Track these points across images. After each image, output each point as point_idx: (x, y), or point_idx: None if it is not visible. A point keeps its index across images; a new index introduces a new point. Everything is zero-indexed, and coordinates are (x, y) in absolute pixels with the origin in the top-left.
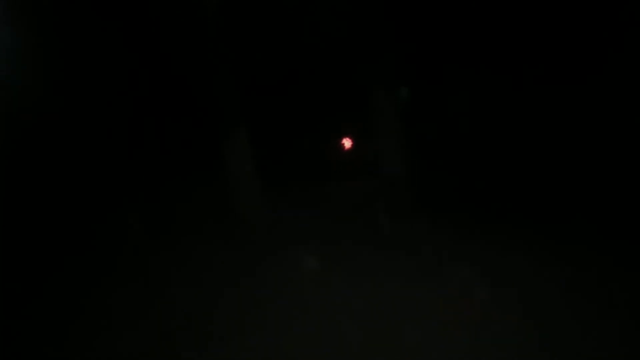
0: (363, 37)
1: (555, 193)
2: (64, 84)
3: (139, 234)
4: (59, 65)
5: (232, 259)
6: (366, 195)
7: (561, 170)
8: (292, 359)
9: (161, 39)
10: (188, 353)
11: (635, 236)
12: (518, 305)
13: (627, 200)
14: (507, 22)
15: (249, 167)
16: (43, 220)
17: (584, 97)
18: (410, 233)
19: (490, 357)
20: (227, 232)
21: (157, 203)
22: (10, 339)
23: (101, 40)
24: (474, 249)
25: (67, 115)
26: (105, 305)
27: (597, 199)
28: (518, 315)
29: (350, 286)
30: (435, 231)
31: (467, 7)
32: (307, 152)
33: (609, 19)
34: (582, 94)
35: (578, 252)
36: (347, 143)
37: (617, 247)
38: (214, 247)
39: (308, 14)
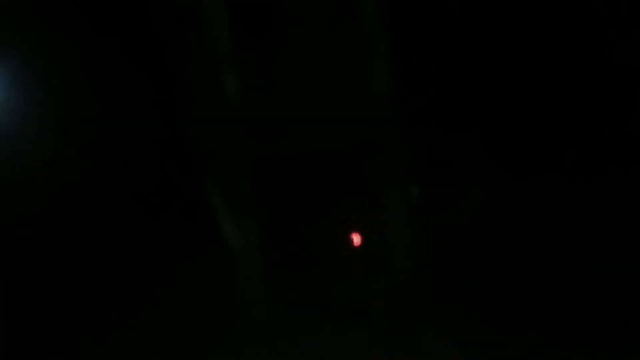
0: (376, 137)
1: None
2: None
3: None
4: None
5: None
6: (371, 296)
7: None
8: None
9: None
10: None
11: None
12: None
13: None
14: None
15: (254, 256)
16: None
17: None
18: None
19: None
20: (222, 324)
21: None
22: None
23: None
24: None
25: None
26: None
27: None
28: None
29: None
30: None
31: (480, 102)
32: (316, 244)
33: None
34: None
35: None
36: (356, 238)
37: None
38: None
39: (322, 109)
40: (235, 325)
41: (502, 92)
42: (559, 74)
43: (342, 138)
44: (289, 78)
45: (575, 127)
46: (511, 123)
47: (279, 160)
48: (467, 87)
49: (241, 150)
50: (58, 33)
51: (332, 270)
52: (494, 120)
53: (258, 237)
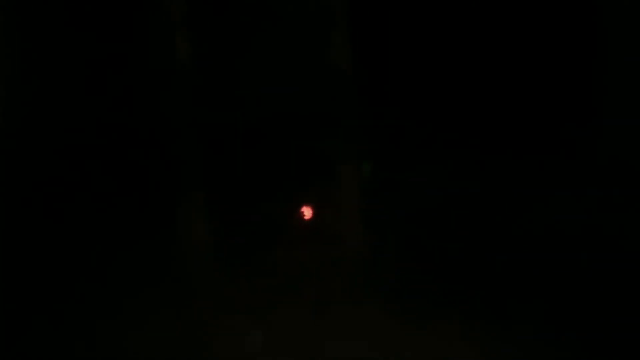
0: (330, 107)
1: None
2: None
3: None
4: None
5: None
6: (320, 267)
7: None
8: None
9: (124, 84)
10: None
11: None
12: None
13: None
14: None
15: (201, 231)
16: None
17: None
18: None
19: None
20: (168, 297)
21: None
22: None
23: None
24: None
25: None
26: None
27: None
28: None
29: None
30: (378, 320)
31: (438, 81)
32: (266, 219)
33: None
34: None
35: None
36: (307, 212)
37: None
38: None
39: (277, 80)
40: (183, 300)
41: (464, 70)
42: (523, 47)
43: (297, 109)
44: (245, 45)
45: (535, 102)
46: (472, 102)
47: (230, 129)
48: (428, 64)
49: (191, 118)
50: None
51: (282, 242)
52: (454, 99)
53: (206, 210)
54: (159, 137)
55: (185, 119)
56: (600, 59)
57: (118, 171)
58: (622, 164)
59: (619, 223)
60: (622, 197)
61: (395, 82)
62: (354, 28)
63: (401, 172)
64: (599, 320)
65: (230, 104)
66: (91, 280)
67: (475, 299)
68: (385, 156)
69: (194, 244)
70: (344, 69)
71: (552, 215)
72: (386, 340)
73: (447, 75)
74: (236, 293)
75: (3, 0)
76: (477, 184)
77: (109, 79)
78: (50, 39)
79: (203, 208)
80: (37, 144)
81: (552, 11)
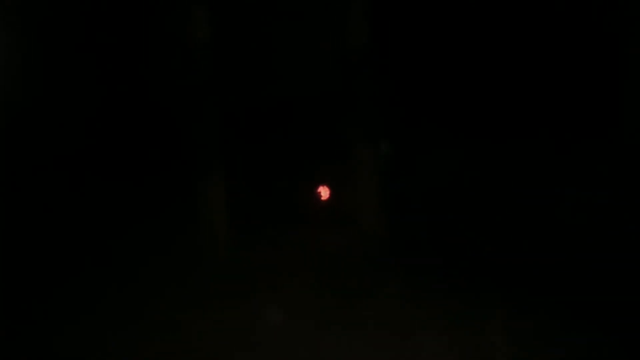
0: (348, 88)
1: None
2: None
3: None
4: None
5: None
6: (338, 247)
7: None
8: None
9: (145, 67)
10: None
11: None
12: None
13: None
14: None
15: (221, 207)
16: None
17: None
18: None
19: None
20: (187, 270)
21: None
22: None
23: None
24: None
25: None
26: None
27: None
28: None
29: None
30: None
31: (457, 65)
32: (285, 198)
33: None
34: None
35: None
36: (324, 192)
37: None
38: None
39: (295, 61)
40: (201, 279)
41: (480, 54)
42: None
43: (315, 90)
44: (263, 25)
45: (548, 92)
46: (487, 87)
47: (248, 109)
48: (445, 48)
49: (210, 99)
50: None
51: (300, 223)
52: (470, 83)
53: (225, 189)
54: (179, 118)
55: (204, 100)
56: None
57: (137, 153)
58: None
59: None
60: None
61: (414, 61)
62: (372, 7)
63: (419, 153)
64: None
65: (248, 84)
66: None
67: (489, 279)
68: (403, 137)
69: (214, 225)
70: (361, 49)
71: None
72: (400, 321)
73: (469, 59)
74: (254, 272)
75: None
76: (493, 169)
77: (127, 61)
78: (72, 21)
79: (222, 188)
80: (60, 125)
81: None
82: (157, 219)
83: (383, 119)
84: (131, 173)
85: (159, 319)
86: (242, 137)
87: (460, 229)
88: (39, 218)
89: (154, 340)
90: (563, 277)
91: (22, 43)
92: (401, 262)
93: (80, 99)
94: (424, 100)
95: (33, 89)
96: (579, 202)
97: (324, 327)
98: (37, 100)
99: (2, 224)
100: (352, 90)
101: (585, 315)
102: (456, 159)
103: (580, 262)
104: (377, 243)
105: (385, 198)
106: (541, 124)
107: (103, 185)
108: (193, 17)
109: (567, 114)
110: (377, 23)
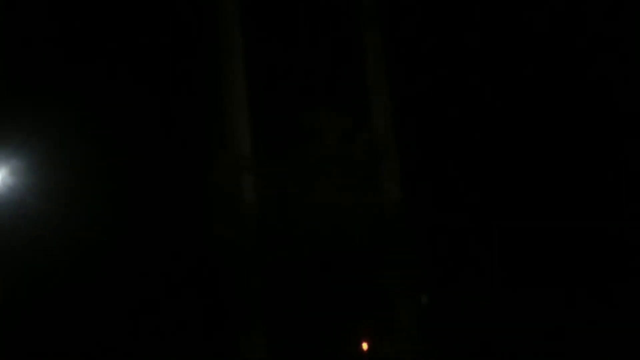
0: (387, 244)
1: None
2: None
3: None
4: None
5: None
6: None
7: None
8: None
9: None
10: None
11: None
12: None
13: None
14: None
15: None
16: None
17: None
18: None
19: None
20: None
21: None
22: None
23: None
24: None
25: None
26: None
27: None
28: None
29: None
30: None
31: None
32: (326, 350)
33: None
34: None
35: None
36: (365, 344)
37: None
38: None
39: (334, 216)
40: None
41: (511, 203)
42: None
43: (353, 244)
44: (303, 185)
45: None
46: (520, 234)
47: (290, 264)
48: (478, 198)
49: (255, 254)
50: None
51: None
52: (501, 229)
53: (268, 343)
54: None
55: (250, 254)
56: None
57: None
58: None
59: None
60: None
61: (447, 207)
62: (404, 162)
63: (459, 300)
64: None
65: (290, 241)
66: None
67: None
68: (442, 285)
69: None
70: (395, 202)
71: None
72: None
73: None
74: None
75: None
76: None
77: None
78: None
79: (264, 341)
80: None
81: None
82: None
83: (423, 271)
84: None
85: None
86: (284, 291)
87: None
88: None
89: None
90: None
91: None
92: None
93: None
94: (462, 247)
95: None
96: None
97: None
98: None
99: None
100: (390, 241)
101: None
102: (496, 309)
103: None
104: None
105: (426, 346)
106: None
107: None
108: (243, 181)
109: None
110: (410, 173)
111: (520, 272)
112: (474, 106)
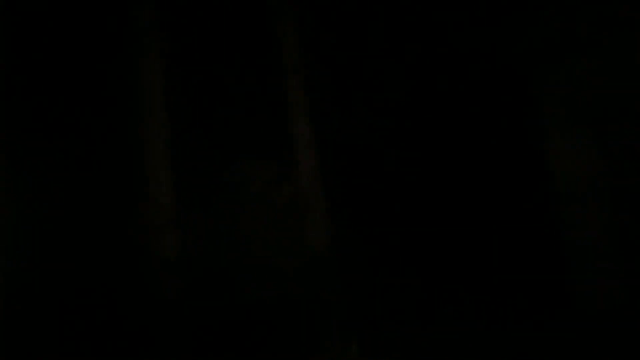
0: (316, 293)
1: None
2: None
3: None
4: None
5: None
6: None
7: None
8: None
9: None
10: None
11: None
12: None
13: None
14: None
15: None
16: None
17: None
18: None
19: None
20: None
21: None
22: None
23: None
24: None
25: None
26: None
27: None
28: None
29: None
30: None
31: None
32: None
33: None
34: None
35: None
36: None
37: None
38: None
39: (257, 267)
40: None
41: (445, 252)
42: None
43: (282, 293)
44: (228, 236)
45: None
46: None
47: (219, 313)
48: (408, 245)
49: (176, 307)
50: None
51: None
52: (437, 277)
53: None
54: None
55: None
56: None
57: None
58: None
59: None
60: None
61: (381, 258)
62: (332, 210)
63: (394, 352)
64: None
65: (215, 293)
66: None
67: None
68: (373, 335)
69: None
70: (323, 250)
71: None
72: None
73: (432, 254)
74: None
75: None
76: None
77: None
78: None
79: None
80: None
81: None
82: None
83: (352, 318)
84: None
85: None
86: (215, 342)
87: None
88: None
89: None
90: None
91: None
92: None
93: None
94: (394, 295)
95: None
96: None
97: None
98: None
99: None
100: (319, 290)
101: None
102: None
103: None
104: None
105: None
106: None
107: None
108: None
109: None
110: (338, 221)
111: (461, 316)
112: (403, 152)
